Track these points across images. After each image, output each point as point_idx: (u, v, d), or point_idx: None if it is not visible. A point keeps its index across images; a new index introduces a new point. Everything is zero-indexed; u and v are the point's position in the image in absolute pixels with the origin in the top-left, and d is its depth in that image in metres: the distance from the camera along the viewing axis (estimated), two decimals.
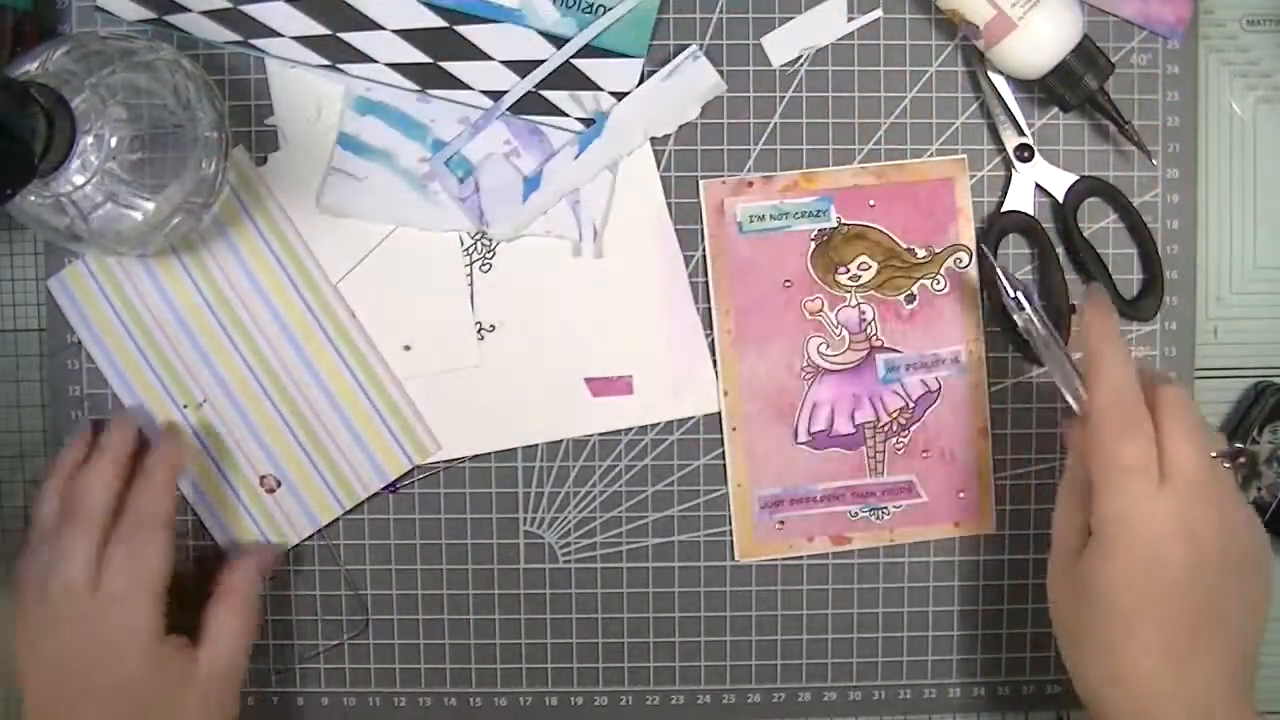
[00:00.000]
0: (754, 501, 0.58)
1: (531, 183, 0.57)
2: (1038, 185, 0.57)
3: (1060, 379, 0.52)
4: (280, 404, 0.58)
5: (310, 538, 0.58)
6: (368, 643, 0.59)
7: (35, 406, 0.59)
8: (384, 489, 0.58)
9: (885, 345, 0.58)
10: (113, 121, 0.47)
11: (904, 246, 0.57)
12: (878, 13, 0.57)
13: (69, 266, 0.58)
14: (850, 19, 0.57)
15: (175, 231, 0.52)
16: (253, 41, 0.56)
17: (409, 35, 0.56)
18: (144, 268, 0.57)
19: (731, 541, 0.58)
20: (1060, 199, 0.57)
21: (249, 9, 0.56)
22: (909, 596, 0.59)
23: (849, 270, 0.58)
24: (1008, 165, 0.57)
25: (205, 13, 0.56)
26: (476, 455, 0.58)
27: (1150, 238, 0.57)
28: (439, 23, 0.56)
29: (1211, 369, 0.59)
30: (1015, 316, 0.54)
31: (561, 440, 0.58)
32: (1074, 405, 0.52)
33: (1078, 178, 0.57)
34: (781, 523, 0.58)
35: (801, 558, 0.59)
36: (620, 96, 0.56)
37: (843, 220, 0.57)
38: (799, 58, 0.57)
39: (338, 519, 0.58)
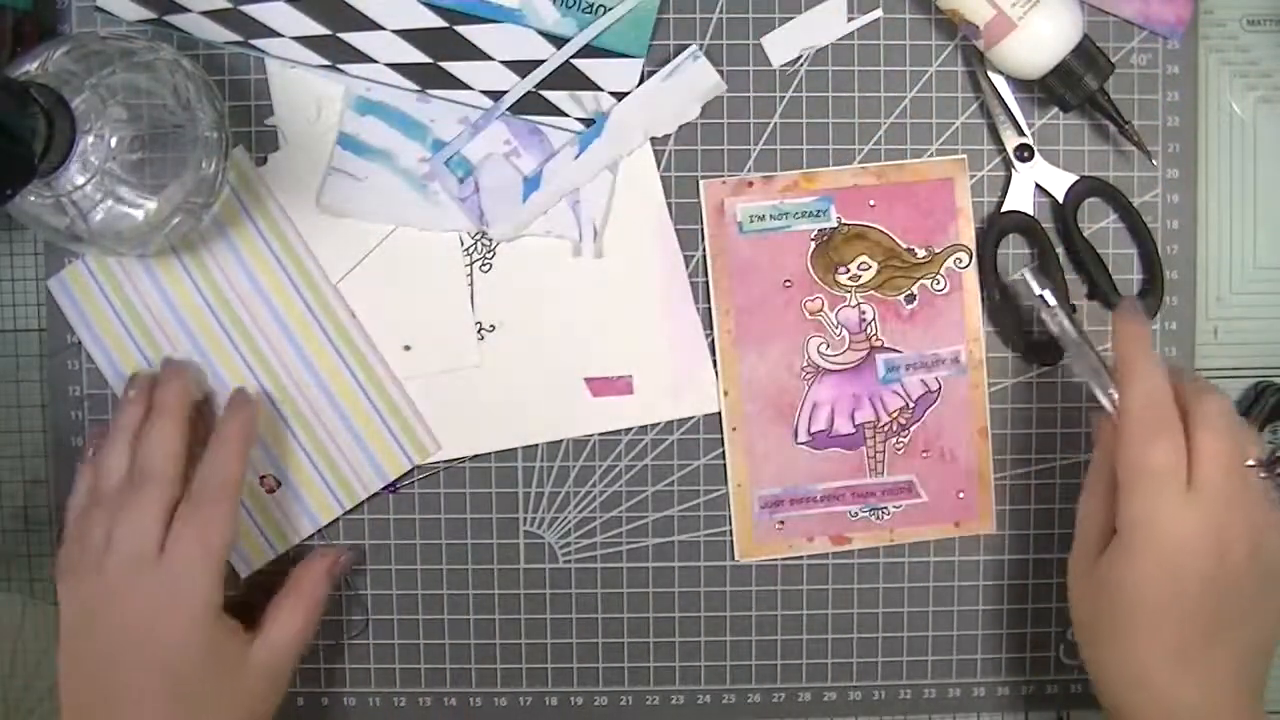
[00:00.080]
0: (754, 501, 0.58)
1: (531, 183, 0.57)
2: (1038, 185, 0.57)
3: (1090, 376, 0.52)
4: (280, 404, 0.58)
5: (310, 538, 0.58)
6: (368, 643, 0.59)
7: (35, 406, 0.59)
8: (384, 489, 0.58)
9: (885, 345, 0.58)
10: (113, 121, 0.47)
11: (904, 246, 0.57)
12: (878, 13, 0.57)
13: (69, 266, 0.58)
14: (850, 19, 0.57)
15: (175, 231, 0.52)
16: (253, 41, 0.56)
17: (409, 35, 0.56)
18: (144, 268, 0.57)
19: (731, 541, 0.58)
20: (1060, 199, 0.57)
21: (249, 9, 0.56)
22: (909, 596, 0.59)
23: (849, 270, 0.58)
24: (1008, 165, 0.57)
25: (205, 13, 0.56)
26: (476, 455, 0.58)
27: (1150, 238, 0.57)
28: (439, 23, 0.56)
29: (1211, 369, 0.59)
30: (1043, 315, 0.54)
31: (561, 440, 0.58)
32: (1104, 402, 0.52)
33: (1078, 178, 0.57)
34: (781, 523, 0.58)
35: (801, 558, 0.59)
36: (620, 96, 0.56)
37: (843, 220, 0.57)
38: (799, 58, 0.57)
39: (338, 519, 0.58)
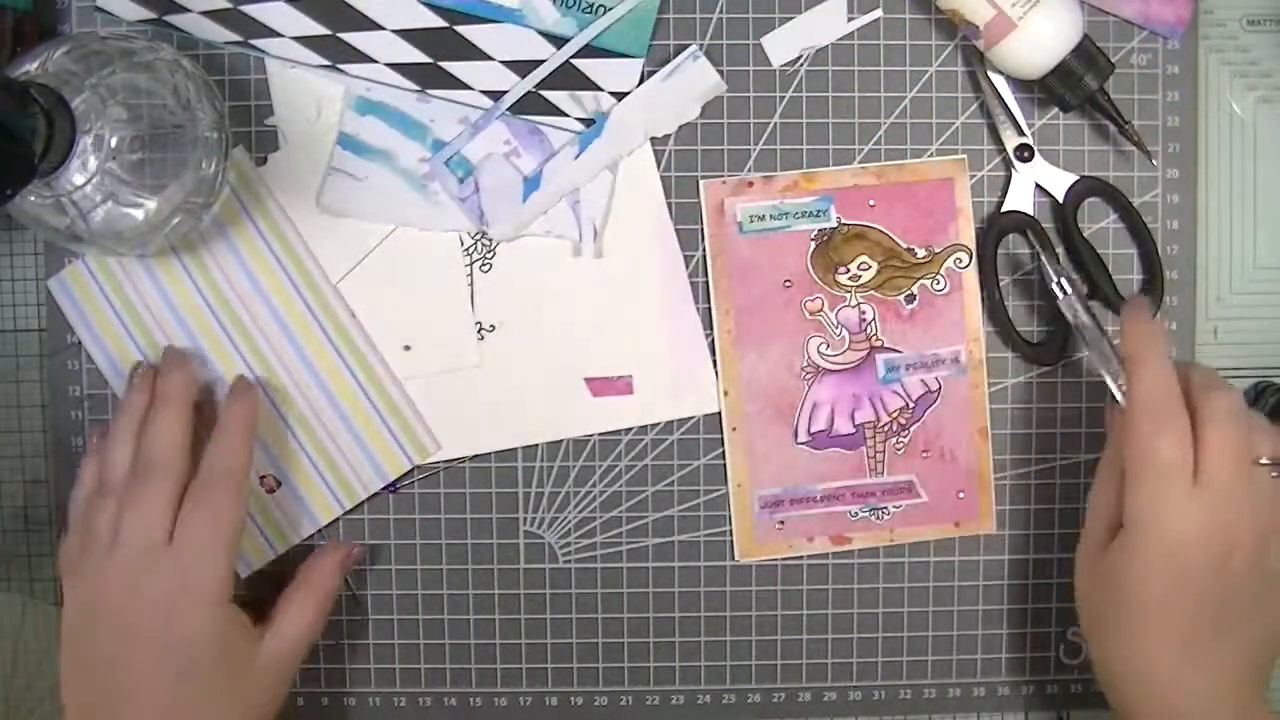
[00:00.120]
0: (754, 501, 0.58)
1: (531, 183, 0.57)
2: (1038, 185, 0.57)
3: (1104, 367, 0.53)
4: (280, 404, 0.57)
5: (310, 538, 0.58)
6: (368, 643, 0.59)
7: (35, 406, 0.59)
8: (384, 489, 0.58)
9: (885, 345, 0.58)
10: (113, 121, 0.47)
11: (904, 246, 0.57)
12: (878, 13, 0.57)
13: (69, 266, 0.58)
14: (850, 19, 0.57)
15: (175, 231, 0.52)
16: (253, 41, 0.56)
17: (409, 35, 0.56)
18: (144, 268, 0.57)
19: (731, 541, 0.58)
20: (1060, 199, 0.57)
21: (249, 9, 0.56)
22: (909, 596, 0.59)
23: (849, 270, 0.58)
24: (1008, 165, 0.57)
25: (205, 13, 0.56)
26: (476, 455, 0.58)
27: (1150, 238, 0.57)
28: (439, 23, 0.56)
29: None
30: (1060, 305, 0.54)
31: (561, 440, 0.58)
32: (1116, 393, 0.52)
33: (1078, 178, 0.57)
34: (781, 523, 0.58)
35: (801, 558, 0.59)
36: (620, 96, 0.56)
37: (843, 220, 0.57)
38: (799, 58, 0.57)
39: (338, 519, 0.58)
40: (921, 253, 0.58)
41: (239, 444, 0.54)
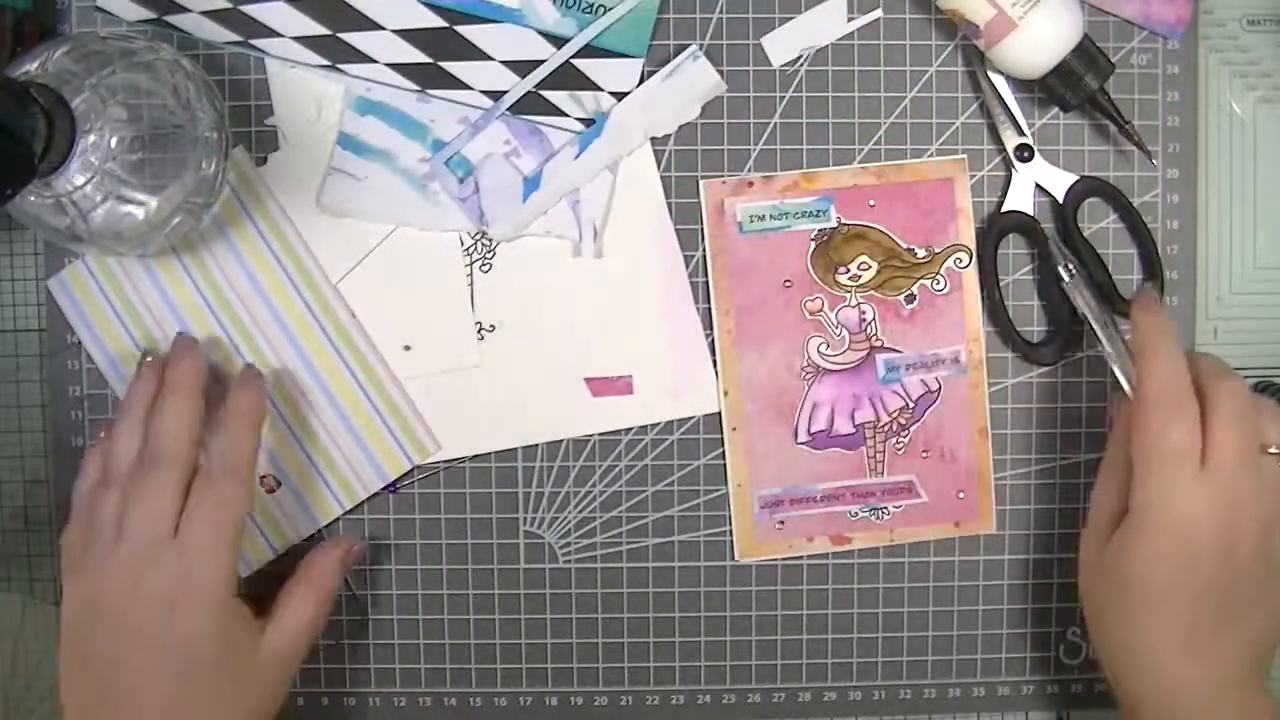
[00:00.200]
0: (754, 501, 0.58)
1: (531, 183, 0.57)
2: (1038, 185, 0.57)
3: (1114, 357, 0.53)
4: (280, 404, 0.57)
5: (310, 538, 0.58)
6: (368, 643, 0.59)
7: (35, 406, 0.59)
8: (384, 489, 0.58)
9: (885, 345, 0.58)
10: (113, 121, 0.47)
11: (904, 246, 0.57)
12: (878, 13, 0.57)
13: (69, 266, 0.58)
14: (850, 19, 0.57)
15: (175, 231, 0.53)
16: (253, 41, 0.56)
17: (409, 35, 0.56)
18: (144, 268, 0.57)
19: (731, 541, 0.58)
20: (1060, 199, 0.57)
21: (249, 9, 0.56)
22: (909, 596, 0.59)
23: (849, 270, 0.58)
24: (1008, 165, 0.57)
25: (205, 13, 0.56)
26: (476, 455, 0.58)
27: (1150, 238, 0.57)
28: (439, 23, 0.56)
29: None
30: (1065, 288, 0.55)
31: (561, 440, 0.58)
32: (1124, 383, 0.52)
33: (1078, 178, 0.57)
34: (781, 523, 0.58)
35: (801, 558, 0.59)
36: (620, 96, 0.56)
37: (843, 220, 0.57)
38: (799, 58, 0.57)
39: (338, 519, 0.58)
40: (921, 253, 0.58)
41: (245, 434, 0.53)
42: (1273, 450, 0.49)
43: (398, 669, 0.59)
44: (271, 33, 0.56)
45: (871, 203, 0.57)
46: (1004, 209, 0.57)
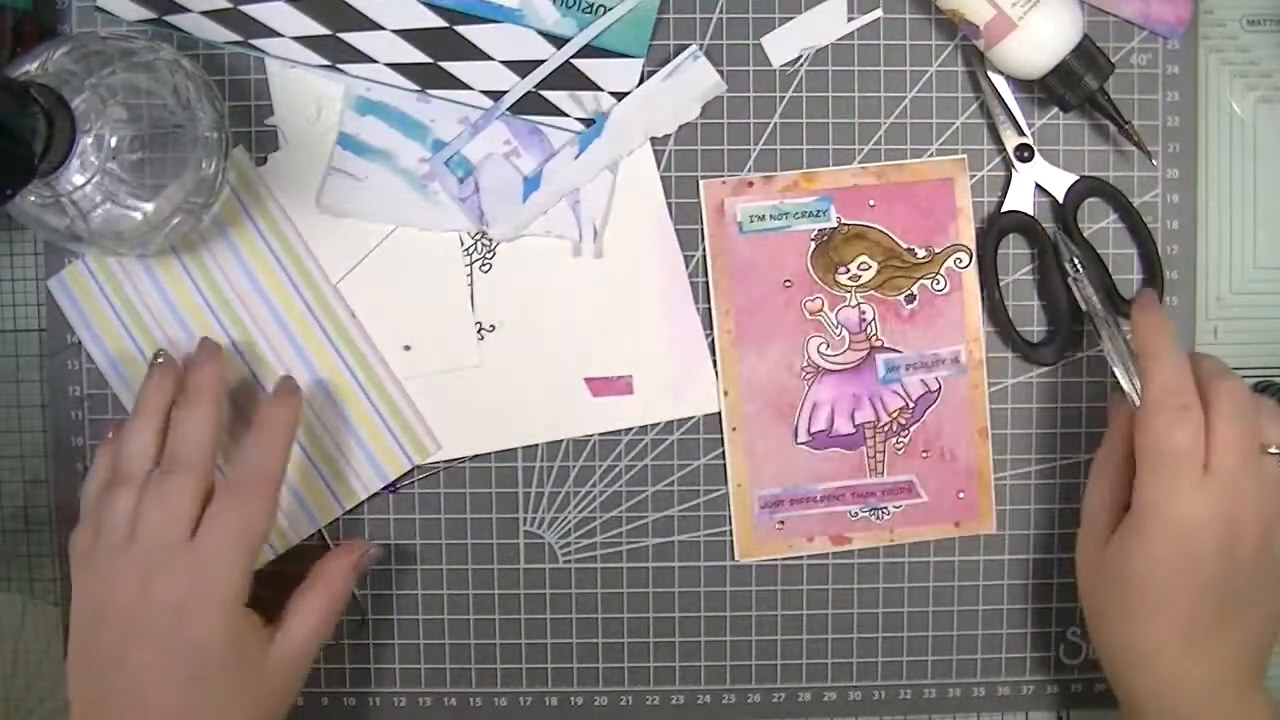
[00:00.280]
0: (754, 501, 0.58)
1: (531, 183, 0.57)
2: (1038, 185, 0.57)
3: (1115, 357, 0.53)
4: None
5: (310, 538, 0.58)
6: (368, 643, 0.59)
7: (35, 406, 0.59)
8: (384, 489, 0.58)
9: (885, 345, 0.58)
10: (113, 121, 0.48)
11: (904, 246, 0.57)
12: (878, 13, 0.57)
13: (69, 266, 0.58)
14: (850, 19, 0.57)
15: (175, 231, 0.53)
16: (253, 41, 0.56)
17: (409, 35, 0.56)
18: (144, 268, 0.57)
19: (731, 541, 0.58)
20: (1060, 199, 0.57)
21: (249, 9, 0.56)
22: (909, 596, 0.59)
23: (849, 270, 0.58)
24: (1008, 165, 0.57)
25: (205, 13, 0.56)
26: (476, 455, 0.58)
27: (1150, 238, 0.57)
28: (439, 23, 0.56)
29: None
30: (1070, 284, 0.55)
31: (561, 440, 0.58)
32: (1124, 383, 0.52)
33: (1078, 178, 0.57)
34: (781, 523, 0.58)
35: (801, 558, 0.59)
36: (620, 96, 0.56)
37: (843, 220, 0.57)
38: (799, 58, 0.57)
39: (338, 519, 0.58)
40: (921, 253, 0.58)
41: (278, 447, 0.53)
42: (1273, 450, 0.49)
43: (398, 669, 0.59)
44: (271, 33, 0.56)
45: (871, 203, 0.57)
46: (1004, 209, 0.57)
